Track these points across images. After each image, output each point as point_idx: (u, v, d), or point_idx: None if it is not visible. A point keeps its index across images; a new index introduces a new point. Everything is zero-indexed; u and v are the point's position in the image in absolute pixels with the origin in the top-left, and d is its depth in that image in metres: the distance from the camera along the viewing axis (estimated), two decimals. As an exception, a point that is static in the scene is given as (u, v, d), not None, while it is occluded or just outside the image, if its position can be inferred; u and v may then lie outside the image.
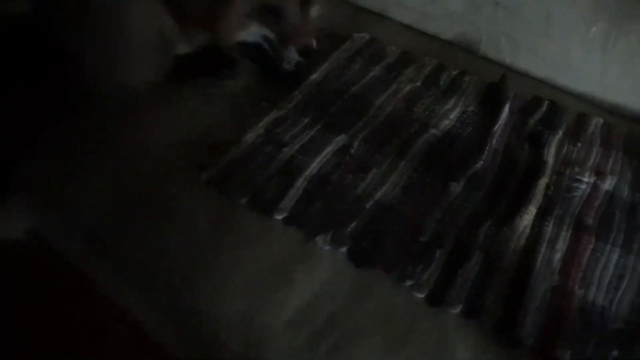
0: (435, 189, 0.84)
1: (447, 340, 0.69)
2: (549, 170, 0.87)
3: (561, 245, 0.78)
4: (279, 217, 0.80)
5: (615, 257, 0.77)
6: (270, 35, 0.94)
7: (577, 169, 0.88)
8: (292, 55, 0.94)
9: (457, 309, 0.71)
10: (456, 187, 0.84)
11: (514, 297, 0.71)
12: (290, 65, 0.95)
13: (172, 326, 0.80)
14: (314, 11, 0.96)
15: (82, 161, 0.88)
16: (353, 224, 0.79)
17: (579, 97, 1.05)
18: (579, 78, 1.06)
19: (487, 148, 0.90)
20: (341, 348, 0.69)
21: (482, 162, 0.88)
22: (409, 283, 0.73)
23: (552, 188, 0.85)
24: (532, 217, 0.81)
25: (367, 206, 0.81)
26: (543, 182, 0.85)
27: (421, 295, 0.73)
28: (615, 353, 0.66)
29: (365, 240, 0.78)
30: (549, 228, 0.79)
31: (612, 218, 0.82)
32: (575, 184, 0.86)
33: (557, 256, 0.76)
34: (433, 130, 0.93)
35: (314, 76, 1.01)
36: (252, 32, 0.94)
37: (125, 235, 0.81)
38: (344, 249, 0.77)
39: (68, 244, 0.92)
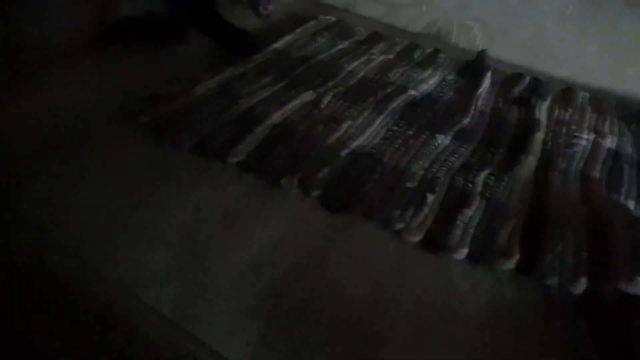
0: (420, 140, 0.71)
1: (453, 289, 0.53)
2: (543, 126, 0.76)
3: (571, 197, 0.65)
4: (233, 160, 0.64)
5: (632, 205, 0.65)
6: None
7: (573, 127, 0.78)
8: (265, 12, 0.87)
9: (462, 254, 0.55)
10: (443, 139, 0.72)
11: (534, 237, 0.57)
12: (267, 10, 0.85)
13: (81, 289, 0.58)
14: None
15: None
16: (325, 170, 0.64)
17: (559, 82, 0.99)
18: (557, 61, 1.00)
19: (473, 108, 0.79)
20: (311, 304, 0.51)
21: (468, 120, 0.77)
22: (398, 227, 0.57)
23: (549, 143, 0.74)
24: (534, 169, 0.68)
25: (342, 154, 0.67)
26: (539, 136, 0.74)
27: (415, 240, 0.57)
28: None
29: (341, 185, 0.62)
30: (554, 179, 0.66)
31: (622, 172, 0.71)
32: (575, 140, 0.75)
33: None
34: (412, 92, 0.82)
35: (276, 45, 0.91)
36: None
37: (38, 183, 0.62)
38: (315, 194, 0.61)
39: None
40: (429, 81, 0.86)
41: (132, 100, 0.73)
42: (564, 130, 0.77)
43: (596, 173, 0.70)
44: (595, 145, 0.75)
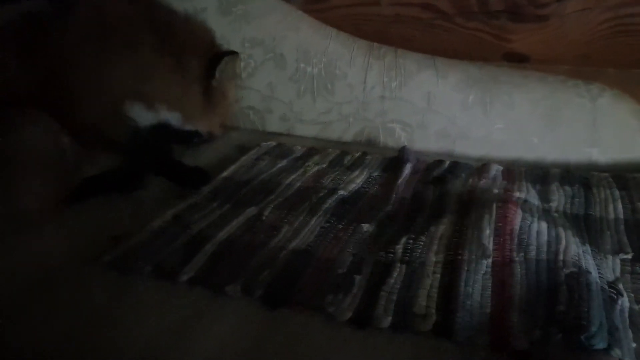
0: (348, 232, 0.81)
1: (378, 357, 0.59)
2: (455, 194, 0.87)
3: (488, 222, 0.75)
4: (184, 278, 0.73)
5: (545, 225, 0.74)
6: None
7: (486, 188, 0.89)
8: None
9: (387, 323, 0.62)
10: (369, 227, 0.82)
11: (448, 295, 0.64)
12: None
13: None
14: None
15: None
16: (266, 272, 0.72)
17: (480, 160, 1.11)
18: (472, 143, 1.14)
19: (394, 196, 0.91)
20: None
21: (390, 206, 0.88)
22: (330, 310, 0.65)
23: (465, 199, 0.85)
24: (450, 224, 0.78)
25: (281, 255, 0.76)
26: (454, 198, 0.85)
27: (345, 319, 0.64)
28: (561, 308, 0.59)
29: (280, 284, 0.71)
30: (472, 216, 0.76)
31: (532, 205, 0.81)
32: (487, 194, 0.85)
33: (487, 232, 0.72)
34: (341, 192, 0.93)
35: (224, 174, 1.04)
36: None
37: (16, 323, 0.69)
38: (257, 295, 0.69)
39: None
40: (356, 180, 0.98)
41: (97, 244, 0.84)
42: (477, 192, 0.88)
43: (512, 197, 0.81)
44: (506, 195, 0.85)
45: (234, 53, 1.04)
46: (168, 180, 1.04)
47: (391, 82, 1.20)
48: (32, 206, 0.93)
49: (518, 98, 1.11)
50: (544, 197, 0.89)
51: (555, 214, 0.82)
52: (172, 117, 1.02)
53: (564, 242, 0.70)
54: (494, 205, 0.77)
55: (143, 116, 1.02)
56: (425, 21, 1.23)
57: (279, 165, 1.07)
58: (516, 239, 0.71)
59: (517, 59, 1.20)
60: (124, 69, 0.97)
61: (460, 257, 0.69)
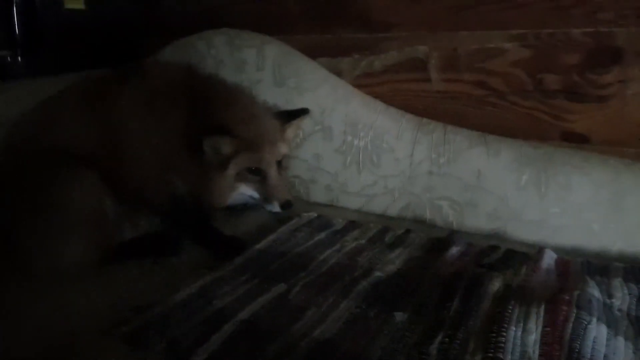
0: (379, 321, 0.75)
1: None
2: (503, 280, 0.79)
3: (534, 324, 0.66)
4: (196, 361, 0.69)
5: (604, 331, 0.64)
6: (254, 194, 1.05)
7: (537, 283, 0.80)
8: (275, 209, 1.05)
9: None
10: (402, 316, 0.75)
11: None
12: (275, 208, 1.06)
13: None
14: (287, 173, 1.11)
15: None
16: (283, 363, 0.67)
17: (534, 246, 1.02)
18: (525, 226, 1.06)
19: (432, 274, 0.84)
20: None
21: (426, 287, 0.82)
22: (347, 416, 0.58)
23: (513, 288, 0.77)
24: (491, 313, 0.70)
25: (302, 344, 0.70)
26: (499, 284, 0.78)
27: None
28: None
29: (297, 378, 0.65)
30: (515, 310, 0.67)
31: (592, 297, 0.71)
32: (537, 290, 0.76)
33: (532, 337, 0.63)
34: (378, 273, 0.87)
35: (258, 245, 1.01)
36: (240, 193, 1.05)
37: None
38: (269, 389, 0.63)
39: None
40: (396, 261, 0.92)
41: (122, 311, 0.82)
42: (527, 285, 0.79)
43: (565, 295, 0.72)
44: (559, 293, 0.75)
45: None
46: (204, 249, 1.03)
47: (439, 157, 1.15)
48: (72, 263, 0.95)
49: (577, 180, 1.03)
50: (605, 290, 0.78)
51: (618, 313, 0.71)
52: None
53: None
54: (543, 305, 0.68)
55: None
56: (477, 98, 1.19)
57: (317, 238, 1.03)
58: (566, 348, 0.61)
59: (576, 140, 1.12)
60: (167, 140, 1.00)
61: None
